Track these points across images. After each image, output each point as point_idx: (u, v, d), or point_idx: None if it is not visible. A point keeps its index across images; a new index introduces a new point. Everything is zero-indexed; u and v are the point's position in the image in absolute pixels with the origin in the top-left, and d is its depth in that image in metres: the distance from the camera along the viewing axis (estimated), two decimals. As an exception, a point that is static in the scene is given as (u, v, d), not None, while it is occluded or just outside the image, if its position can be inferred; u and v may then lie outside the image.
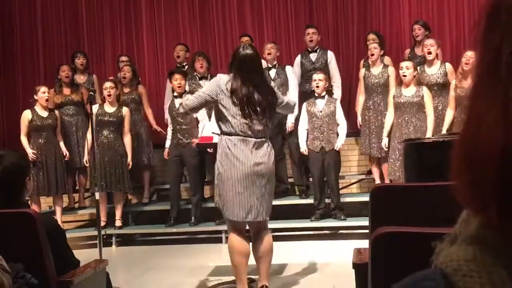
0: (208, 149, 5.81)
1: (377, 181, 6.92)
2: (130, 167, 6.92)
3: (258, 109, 3.98)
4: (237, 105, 3.95)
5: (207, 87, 4.10)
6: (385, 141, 6.46)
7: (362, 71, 6.99)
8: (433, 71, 6.65)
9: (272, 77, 7.02)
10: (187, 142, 6.76)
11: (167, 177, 7.30)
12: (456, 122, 6.30)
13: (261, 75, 4.07)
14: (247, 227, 4.26)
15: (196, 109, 4.10)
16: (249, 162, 3.99)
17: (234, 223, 4.08)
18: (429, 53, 6.60)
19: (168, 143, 6.98)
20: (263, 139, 4.06)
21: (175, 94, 6.88)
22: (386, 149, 6.47)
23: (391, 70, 6.87)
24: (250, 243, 4.23)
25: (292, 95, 6.95)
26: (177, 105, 6.70)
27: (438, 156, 3.83)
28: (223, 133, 4.04)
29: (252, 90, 3.96)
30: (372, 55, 6.81)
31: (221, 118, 4.02)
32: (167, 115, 7.10)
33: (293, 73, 7.11)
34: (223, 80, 4.02)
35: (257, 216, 4.06)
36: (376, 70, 6.87)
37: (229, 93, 3.95)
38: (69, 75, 7.38)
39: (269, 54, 7.03)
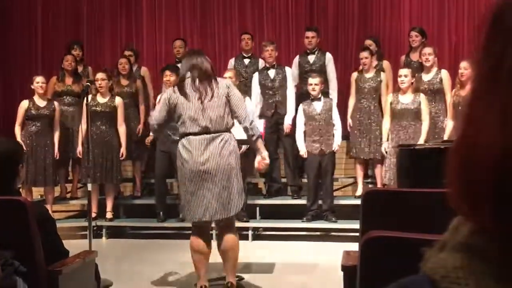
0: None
1: (360, 184, 6.95)
2: (123, 157, 6.88)
3: (206, 95, 4.04)
4: (185, 97, 4.05)
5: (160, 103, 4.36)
6: (385, 145, 6.48)
7: (355, 74, 7.01)
8: (429, 78, 6.68)
9: (272, 77, 7.02)
10: (177, 138, 6.75)
11: (155, 172, 7.25)
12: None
13: (202, 63, 4.14)
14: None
15: (159, 122, 4.29)
16: (194, 161, 4.01)
17: (194, 224, 4.15)
18: (427, 61, 6.63)
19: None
20: (217, 133, 4.04)
21: (165, 89, 6.88)
22: (386, 154, 6.48)
23: (383, 75, 6.90)
24: (213, 242, 4.30)
25: (289, 98, 6.96)
26: None
27: (431, 162, 3.86)
28: (180, 133, 4.17)
29: (197, 73, 4.08)
30: (365, 64, 6.83)
31: (177, 121, 4.16)
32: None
33: (291, 74, 7.09)
34: (167, 92, 4.27)
35: (215, 215, 4.07)
36: (369, 74, 6.89)
37: (178, 90, 4.10)
38: (72, 65, 7.39)
39: (270, 56, 7.00)
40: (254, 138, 4.12)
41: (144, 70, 7.89)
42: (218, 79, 4.20)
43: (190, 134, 4.06)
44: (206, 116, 4.02)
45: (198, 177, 4.02)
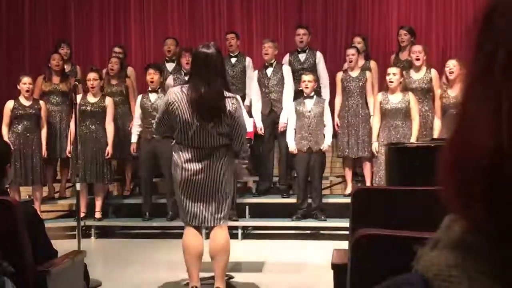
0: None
1: (349, 184, 6.98)
2: (109, 156, 6.86)
3: (208, 115, 3.86)
4: (186, 112, 3.88)
5: (160, 107, 4.15)
6: (375, 145, 6.49)
7: (340, 74, 7.03)
8: (419, 77, 6.70)
9: (268, 76, 7.01)
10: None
11: (139, 172, 7.22)
12: (442, 130, 6.37)
13: (214, 75, 3.86)
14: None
15: (161, 131, 4.16)
16: (188, 170, 3.96)
17: (186, 223, 4.17)
18: (417, 59, 6.65)
19: (135, 138, 6.97)
20: (210, 150, 3.96)
21: (149, 88, 6.87)
22: (376, 154, 6.49)
23: (368, 74, 6.92)
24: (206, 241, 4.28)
25: (286, 95, 6.96)
26: (152, 99, 6.73)
27: (420, 160, 3.88)
28: (176, 141, 4.05)
29: (204, 91, 3.83)
30: (351, 61, 6.84)
31: (174, 128, 4.02)
32: (138, 109, 6.90)
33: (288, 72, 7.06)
34: (172, 91, 4.04)
35: (203, 222, 4.10)
36: (354, 73, 6.91)
37: (180, 101, 3.89)
38: (59, 64, 7.33)
39: (266, 54, 7.00)
40: (245, 161, 4.18)
41: (130, 70, 7.85)
42: (227, 97, 3.92)
43: (188, 145, 3.99)
44: (205, 135, 3.93)
45: (190, 185, 4.00)
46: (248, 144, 4.35)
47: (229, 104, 3.91)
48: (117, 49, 7.91)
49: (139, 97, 6.97)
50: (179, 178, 4.03)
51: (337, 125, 6.97)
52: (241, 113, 4.04)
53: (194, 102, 3.86)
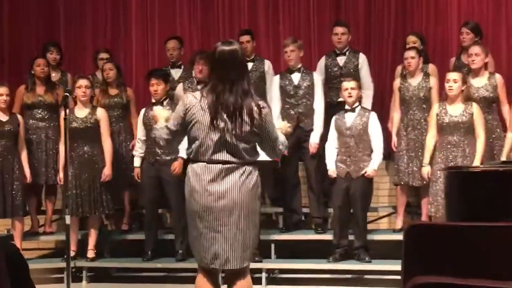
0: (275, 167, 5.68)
1: (400, 217, 6.94)
2: (107, 178, 6.87)
3: (230, 118, 3.89)
4: (206, 118, 3.92)
5: (174, 115, 4.14)
6: (427, 169, 6.43)
7: (397, 81, 7.02)
8: (480, 84, 6.68)
9: (296, 83, 7.03)
10: (169, 159, 6.77)
11: (140, 202, 7.29)
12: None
13: (239, 74, 3.96)
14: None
15: (175, 145, 4.26)
16: (208, 194, 3.94)
17: (200, 264, 4.11)
18: (473, 62, 6.64)
19: (138, 162, 7.04)
20: (235, 165, 3.96)
21: (153, 100, 6.94)
22: (427, 180, 6.44)
23: (433, 81, 6.90)
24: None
25: (317, 110, 6.95)
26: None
27: (488, 189, 3.83)
28: (189, 159, 4.07)
29: (225, 88, 3.91)
30: (409, 65, 6.84)
31: (188, 140, 4.05)
32: (140, 126, 7.01)
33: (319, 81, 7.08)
34: (191, 94, 4.10)
35: (226, 264, 4.00)
36: (414, 80, 6.90)
37: (199, 105, 3.95)
38: (44, 71, 7.39)
39: (289, 59, 7.02)
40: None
41: (130, 92, 7.71)
42: (254, 97, 3.99)
43: (205, 161, 3.99)
44: (229, 146, 3.94)
45: (210, 214, 3.95)
46: (278, 167, 4.32)
47: (257, 103, 3.96)
48: (103, 55, 7.95)
49: (142, 111, 7.04)
50: (197, 205, 3.99)
51: (394, 145, 6.94)
52: (271, 117, 4.08)
53: (214, 104, 3.91)
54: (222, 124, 3.91)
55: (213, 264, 4.02)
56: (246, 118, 3.91)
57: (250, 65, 7.49)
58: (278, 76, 7.18)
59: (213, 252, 3.98)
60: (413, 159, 6.81)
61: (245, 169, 3.98)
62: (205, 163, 3.96)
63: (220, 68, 3.98)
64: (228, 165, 3.95)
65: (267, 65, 7.58)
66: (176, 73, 7.82)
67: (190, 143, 4.03)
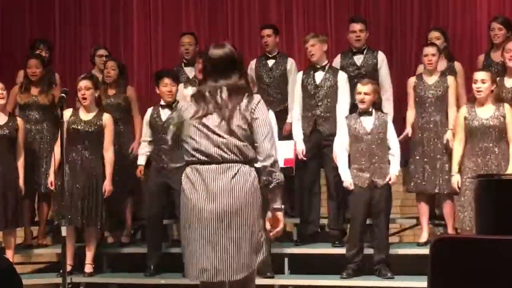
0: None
1: (424, 229, 6.92)
2: (107, 193, 6.86)
3: (220, 118, 3.95)
4: (196, 109, 4.00)
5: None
6: (456, 178, 6.37)
7: (412, 80, 7.01)
8: (512, 84, 6.65)
9: (318, 83, 6.97)
10: (177, 166, 6.74)
11: (145, 211, 7.29)
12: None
13: (227, 75, 4.04)
14: None
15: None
16: (199, 198, 3.94)
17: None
18: (511, 59, 6.60)
19: (143, 159, 7.08)
20: (231, 163, 3.95)
21: (163, 103, 6.97)
22: (458, 190, 6.38)
23: (450, 79, 6.89)
24: None
25: (339, 113, 6.87)
26: (163, 117, 6.91)
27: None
28: (186, 164, 4.11)
29: (215, 84, 4.02)
30: (430, 62, 6.81)
31: (182, 143, 4.11)
32: (146, 127, 7.07)
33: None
34: (183, 99, 4.27)
35: (216, 276, 3.92)
36: (431, 79, 6.89)
37: (189, 107, 4.05)
38: (36, 72, 7.43)
39: (311, 54, 6.97)
40: (272, 185, 3.96)
41: (130, 91, 7.77)
42: (246, 91, 4.08)
43: (196, 162, 4.00)
44: (219, 142, 3.95)
45: (198, 221, 3.92)
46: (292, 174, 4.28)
47: (248, 98, 4.03)
48: (101, 51, 8.00)
49: (148, 112, 7.07)
50: (187, 210, 3.99)
51: (408, 134, 6.92)
52: (265, 110, 4.10)
53: (203, 105, 4.00)
54: (212, 125, 3.96)
55: (201, 278, 3.97)
56: (238, 117, 3.96)
57: (271, 62, 7.50)
58: (301, 73, 7.15)
59: (201, 263, 3.93)
60: (428, 164, 6.81)
61: (241, 168, 3.96)
62: (197, 164, 3.99)
63: (208, 71, 4.11)
64: (220, 165, 3.95)
65: (290, 63, 7.58)
66: (190, 71, 7.79)
67: (183, 146, 4.07)
